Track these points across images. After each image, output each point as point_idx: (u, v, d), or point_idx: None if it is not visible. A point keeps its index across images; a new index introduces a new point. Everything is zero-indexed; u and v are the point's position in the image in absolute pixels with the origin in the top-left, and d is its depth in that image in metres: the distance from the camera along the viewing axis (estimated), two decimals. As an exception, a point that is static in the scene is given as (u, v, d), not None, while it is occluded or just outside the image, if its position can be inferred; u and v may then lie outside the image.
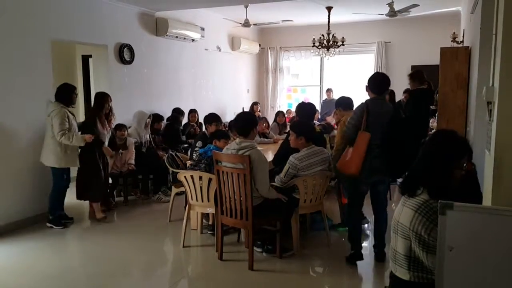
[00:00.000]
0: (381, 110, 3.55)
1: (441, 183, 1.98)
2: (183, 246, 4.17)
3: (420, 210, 1.95)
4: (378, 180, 3.67)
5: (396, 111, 3.71)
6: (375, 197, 3.81)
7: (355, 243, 3.79)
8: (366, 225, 4.61)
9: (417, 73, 5.58)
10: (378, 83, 3.62)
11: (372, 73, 3.85)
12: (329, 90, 9.94)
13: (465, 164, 2.03)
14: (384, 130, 3.50)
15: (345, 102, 4.64)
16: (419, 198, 1.99)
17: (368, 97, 3.66)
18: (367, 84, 3.64)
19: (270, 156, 4.66)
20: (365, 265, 3.80)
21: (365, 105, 3.56)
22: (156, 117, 6.57)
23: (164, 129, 6.79)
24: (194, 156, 4.69)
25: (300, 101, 7.67)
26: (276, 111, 8.62)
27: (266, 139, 6.57)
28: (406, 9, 7.00)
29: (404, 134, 3.56)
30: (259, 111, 9.26)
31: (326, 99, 9.96)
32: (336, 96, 9.68)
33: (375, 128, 3.50)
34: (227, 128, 6.43)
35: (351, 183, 3.75)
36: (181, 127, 7.23)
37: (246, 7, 7.66)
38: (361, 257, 3.78)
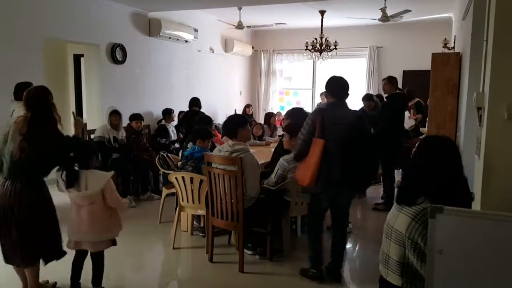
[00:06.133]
0: (341, 114, 3.28)
1: (446, 191, 1.95)
2: (173, 248, 4.14)
3: (417, 218, 1.92)
4: (339, 194, 3.35)
5: (361, 118, 3.44)
6: (333, 212, 3.49)
7: (315, 261, 3.43)
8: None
9: (393, 78, 5.65)
10: (340, 86, 3.36)
11: (330, 76, 3.46)
12: (324, 94, 9.93)
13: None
14: (344, 138, 3.19)
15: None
16: (417, 206, 1.98)
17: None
18: (325, 89, 3.42)
19: (260, 158, 4.67)
20: (357, 268, 3.80)
21: (319, 111, 3.35)
22: (135, 116, 5.96)
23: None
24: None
25: (293, 106, 7.68)
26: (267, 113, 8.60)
27: (258, 141, 6.63)
28: (398, 15, 7.07)
29: (366, 143, 3.28)
30: (252, 113, 9.26)
31: (320, 102, 9.97)
32: None
33: (334, 135, 3.19)
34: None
35: (312, 196, 3.45)
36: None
37: (240, 9, 7.67)
38: (321, 278, 3.41)
